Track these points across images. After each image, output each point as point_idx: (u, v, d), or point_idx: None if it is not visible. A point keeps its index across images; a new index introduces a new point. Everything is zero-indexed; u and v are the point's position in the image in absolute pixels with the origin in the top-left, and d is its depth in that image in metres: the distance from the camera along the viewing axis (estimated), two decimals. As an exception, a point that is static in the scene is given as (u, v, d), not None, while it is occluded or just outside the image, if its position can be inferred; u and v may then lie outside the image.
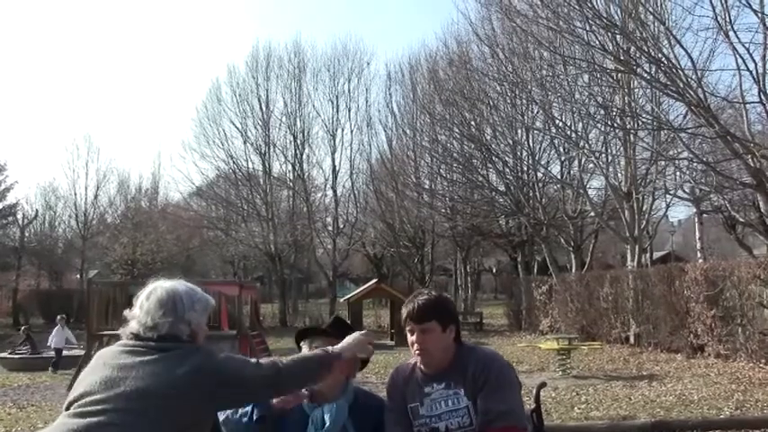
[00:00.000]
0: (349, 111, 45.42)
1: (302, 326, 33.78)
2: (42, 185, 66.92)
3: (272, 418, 3.32)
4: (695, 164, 19.52)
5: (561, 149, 29.90)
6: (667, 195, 26.01)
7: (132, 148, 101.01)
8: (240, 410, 3.28)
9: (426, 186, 38.76)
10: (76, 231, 50.62)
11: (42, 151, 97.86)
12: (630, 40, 17.12)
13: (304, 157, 44.45)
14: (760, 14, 14.41)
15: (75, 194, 49.94)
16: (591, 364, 17.90)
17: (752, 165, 15.46)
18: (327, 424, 3.34)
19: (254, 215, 43.76)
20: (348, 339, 3.23)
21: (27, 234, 49.31)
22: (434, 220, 38.83)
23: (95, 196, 50.06)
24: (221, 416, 3.25)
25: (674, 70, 15.54)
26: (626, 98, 21.79)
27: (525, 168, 31.51)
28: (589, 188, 28.71)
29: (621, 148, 24.47)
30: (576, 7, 17.45)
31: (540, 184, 31.03)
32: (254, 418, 3.23)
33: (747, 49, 14.71)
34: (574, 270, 28.70)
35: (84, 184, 49.77)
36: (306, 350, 3.48)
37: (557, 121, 25.92)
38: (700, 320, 17.71)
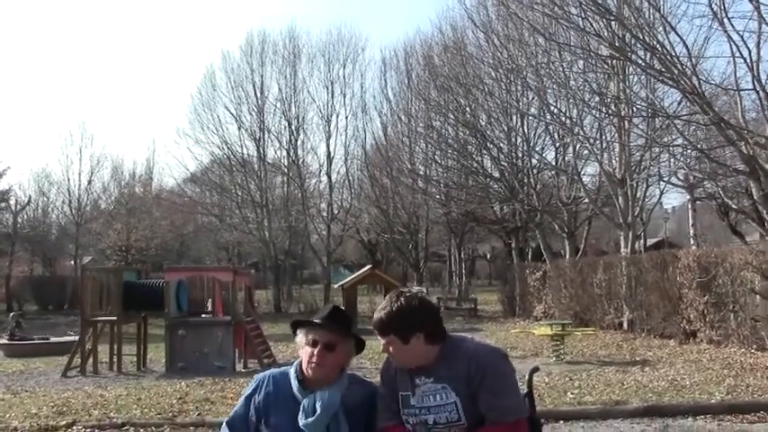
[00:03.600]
0: (344, 97, 45.33)
1: (298, 312, 33.89)
2: (35, 171, 66.58)
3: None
4: (689, 150, 19.62)
5: (556, 136, 29.94)
6: (661, 182, 26.11)
7: (126, 134, 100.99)
8: None
9: (421, 172, 38.83)
10: (70, 217, 50.40)
11: (36, 137, 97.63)
12: (625, 26, 17.12)
13: (299, 142, 44.33)
14: (754, 2, 14.42)
15: (69, 180, 49.73)
16: (584, 350, 17.96)
17: (745, 152, 15.49)
18: (318, 412, 3.33)
19: (248, 201, 43.65)
20: None
21: (20, 220, 49.08)
22: (429, 207, 38.95)
23: (89, 182, 49.84)
24: None
25: (668, 57, 15.55)
26: (621, 85, 21.80)
27: (520, 155, 31.56)
28: (583, 174, 28.80)
29: (616, 135, 24.48)
30: (571, -7, 17.43)
31: (535, 171, 31.10)
32: None
33: (741, 37, 14.75)
34: (568, 256, 28.77)
35: (77, 170, 49.53)
36: (301, 338, 3.49)
37: (551, 108, 25.96)
38: (692, 306, 17.79)
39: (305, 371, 3.43)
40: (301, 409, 3.35)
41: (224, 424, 3.60)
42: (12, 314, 26.24)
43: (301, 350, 3.48)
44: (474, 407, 3.27)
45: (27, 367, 17.67)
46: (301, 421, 3.32)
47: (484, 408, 3.24)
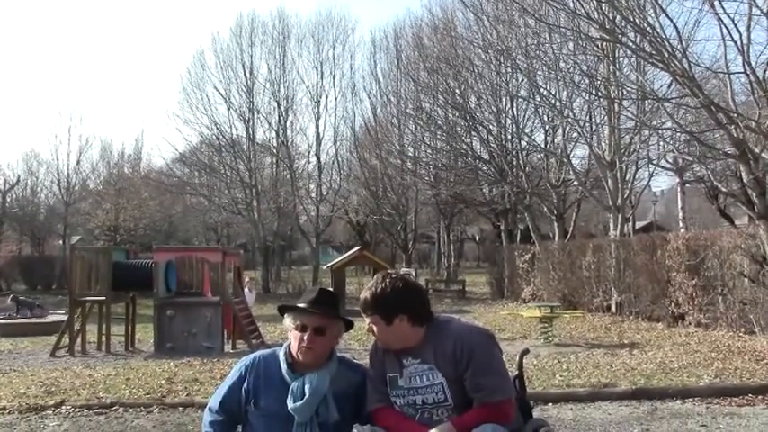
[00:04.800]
0: (333, 78, 45.29)
1: (286, 293, 33.85)
2: (24, 151, 66.24)
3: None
4: (679, 134, 19.57)
5: (545, 118, 29.92)
6: (650, 165, 26.15)
7: (116, 114, 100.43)
8: None
9: (410, 154, 38.84)
10: (59, 197, 50.24)
11: (25, 116, 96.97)
12: (616, 8, 17.02)
13: (288, 123, 44.24)
14: (746, -16, 14.36)
15: (58, 160, 49.54)
16: (573, 333, 17.99)
17: (735, 135, 15.47)
18: (306, 395, 3.32)
19: (237, 182, 43.56)
20: None
21: (9, 200, 48.91)
22: (418, 188, 38.99)
23: (78, 162, 49.68)
24: None
25: (659, 40, 15.48)
26: (611, 67, 21.76)
27: (509, 137, 31.54)
28: (573, 157, 28.78)
29: (605, 118, 24.48)
30: (563, -25, 17.32)
31: (524, 153, 31.08)
32: None
33: (732, 20, 14.66)
34: (556, 239, 28.80)
35: (66, 149, 49.44)
36: (289, 322, 3.48)
37: (541, 90, 25.90)
38: (681, 290, 17.86)
39: (295, 355, 3.42)
40: (290, 392, 3.35)
41: (217, 403, 3.58)
42: (12, 295, 26.21)
43: (290, 333, 3.48)
44: (461, 388, 3.27)
45: (15, 346, 17.63)
46: (290, 405, 3.32)
47: (471, 388, 3.24)
